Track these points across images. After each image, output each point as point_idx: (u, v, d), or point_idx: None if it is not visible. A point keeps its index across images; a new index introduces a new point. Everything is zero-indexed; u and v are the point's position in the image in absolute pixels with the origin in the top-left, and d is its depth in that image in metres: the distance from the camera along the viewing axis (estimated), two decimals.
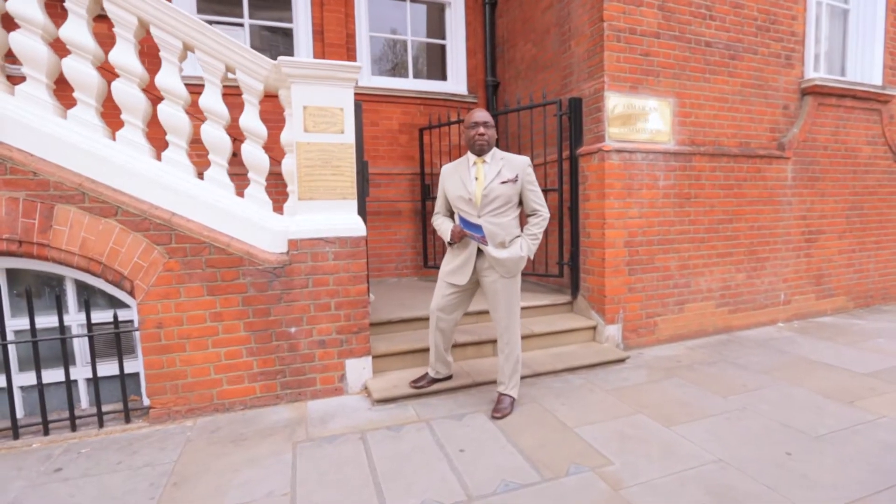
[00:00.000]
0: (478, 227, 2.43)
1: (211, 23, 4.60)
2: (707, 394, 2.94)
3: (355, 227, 2.93)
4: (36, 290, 2.58)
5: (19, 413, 2.59)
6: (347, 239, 2.91)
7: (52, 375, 2.57)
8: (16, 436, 2.45)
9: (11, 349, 2.54)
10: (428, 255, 5.08)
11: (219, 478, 2.12)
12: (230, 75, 2.83)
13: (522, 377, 3.15)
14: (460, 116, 4.64)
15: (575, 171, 3.91)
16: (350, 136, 2.93)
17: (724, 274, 4.18)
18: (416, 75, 5.44)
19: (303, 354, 2.87)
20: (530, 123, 4.36)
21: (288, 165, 2.87)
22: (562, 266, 4.03)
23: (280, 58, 2.72)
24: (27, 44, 2.40)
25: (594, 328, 3.80)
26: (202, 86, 2.79)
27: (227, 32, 4.51)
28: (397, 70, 5.38)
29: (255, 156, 2.83)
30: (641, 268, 3.80)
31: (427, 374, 2.96)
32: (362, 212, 3.22)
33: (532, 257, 2.74)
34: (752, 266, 4.31)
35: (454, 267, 2.61)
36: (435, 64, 5.61)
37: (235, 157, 3.28)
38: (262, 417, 2.70)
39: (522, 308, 3.79)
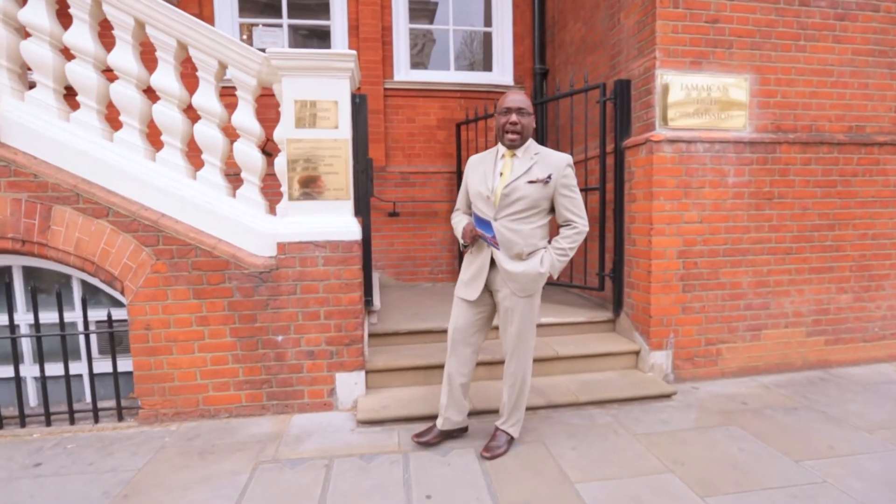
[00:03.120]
0: (488, 225, 2.04)
1: (252, 25, 4.69)
2: (773, 454, 2.26)
3: (347, 230, 2.70)
4: (48, 288, 2.70)
5: (34, 402, 2.74)
6: (339, 243, 2.69)
7: (59, 369, 2.67)
8: (22, 424, 2.58)
9: (26, 342, 2.69)
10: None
11: (168, 494, 2.00)
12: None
13: (534, 408, 2.71)
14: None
15: (621, 168, 3.32)
16: (345, 132, 2.70)
17: (821, 294, 3.30)
18: (458, 67, 5.10)
19: (290, 365, 2.71)
20: (571, 113, 3.81)
21: (280, 164, 2.72)
22: (602, 278, 3.46)
23: (269, 49, 2.57)
24: (35, 50, 2.50)
25: (637, 353, 3.19)
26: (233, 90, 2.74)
27: (266, 35, 4.57)
28: (438, 62, 5.10)
29: (248, 154, 2.72)
30: (701, 283, 3.11)
31: (434, 425, 2.37)
32: (366, 213, 2.99)
33: (556, 276, 2.21)
34: (862, 286, 3.36)
35: (466, 279, 2.23)
36: (478, 54, 5.23)
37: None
38: (242, 428, 2.58)
39: (553, 324, 3.34)
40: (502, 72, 5.03)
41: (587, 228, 2.16)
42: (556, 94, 3.61)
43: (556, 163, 2.10)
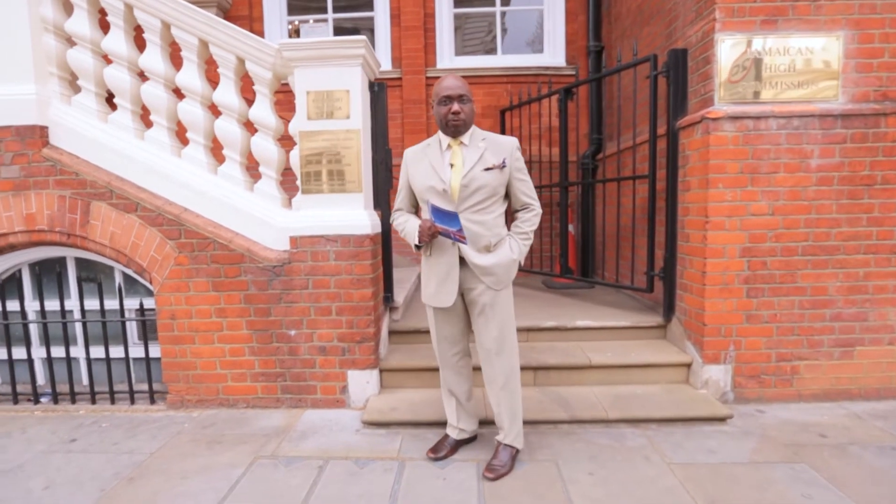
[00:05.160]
0: (453, 216, 1.82)
1: (300, 21, 4.78)
2: None
3: (359, 223, 2.60)
4: (97, 277, 2.93)
5: (86, 381, 3.00)
6: (350, 237, 2.60)
7: (106, 352, 2.88)
8: (73, 400, 2.83)
9: (76, 326, 2.94)
10: None
11: (166, 482, 2.05)
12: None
13: (555, 421, 2.45)
14: (551, 90, 3.86)
15: (674, 152, 2.87)
16: (356, 122, 2.60)
17: None
18: (507, 51, 4.80)
19: (303, 360, 2.69)
20: (618, 93, 3.38)
21: (293, 157, 2.69)
22: (651, 278, 3.03)
23: (280, 41, 2.53)
24: (79, 57, 2.69)
25: (688, 366, 2.76)
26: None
27: (313, 31, 4.64)
28: (485, 47, 4.83)
29: (265, 148, 2.72)
30: (771, 287, 2.59)
31: (447, 436, 2.25)
32: (386, 206, 2.88)
33: (522, 262, 2.03)
34: None
35: (434, 286, 2.01)
36: (528, 35, 4.87)
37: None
38: (254, 420, 2.60)
39: (590, 328, 3.03)
40: (553, 52, 4.66)
41: (541, 210, 2.08)
42: (604, 71, 3.22)
43: (505, 146, 1.97)
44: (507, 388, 2.04)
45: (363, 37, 2.52)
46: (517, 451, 2.10)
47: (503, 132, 4.43)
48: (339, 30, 4.78)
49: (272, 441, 2.37)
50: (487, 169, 1.91)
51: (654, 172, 2.97)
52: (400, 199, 2.12)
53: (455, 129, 1.93)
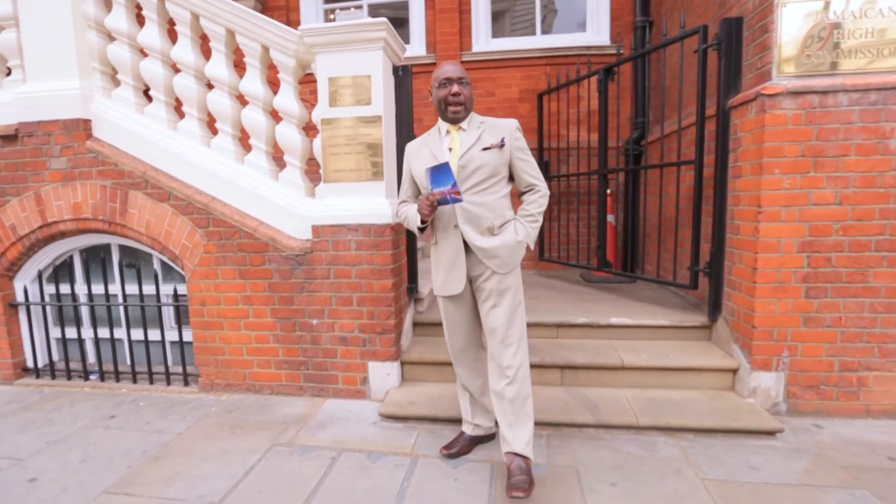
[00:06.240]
0: (445, 170, 1.70)
1: (341, 9, 4.76)
2: None
3: (380, 212, 2.55)
4: (138, 263, 3.08)
5: (129, 360, 3.17)
6: (371, 227, 2.56)
7: (144, 335, 3.02)
8: (117, 379, 3.00)
9: (119, 309, 3.11)
10: (545, 244, 4.28)
11: (187, 463, 2.12)
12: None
13: (579, 425, 2.30)
14: (590, 70, 3.61)
15: (724, 134, 2.58)
16: (378, 108, 2.53)
17: None
18: (545, 31, 4.56)
19: (325, 349, 2.69)
20: (662, 72, 3.08)
21: (316, 145, 2.67)
22: (694, 273, 2.77)
23: (301, 27, 2.50)
24: (118, 52, 2.80)
25: (734, 372, 2.50)
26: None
27: (348, 18, 4.61)
28: (524, 28, 4.60)
29: (289, 137, 2.71)
30: (836, 287, 2.29)
31: (463, 432, 2.19)
32: None
33: (532, 246, 1.91)
34: None
35: (443, 274, 1.93)
36: (579, 16, 4.57)
37: None
38: (277, 407, 2.64)
39: (625, 326, 2.84)
40: (597, 30, 4.36)
41: (549, 191, 1.95)
42: (646, 48, 2.95)
43: (504, 127, 1.89)
44: (517, 382, 1.86)
45: (384, 19, 2.44)
46: (530, 461, 1.89)
47: (540, 117, 4.22)
48: (376, 16, 4.72)
49: (291, 429, 2.39)
50: (486, 149, 1.83)
51: (702, 157, 2.69)
52: (403, 191, 2.05)
53: (455, 114, 1.86)
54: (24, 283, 3.06)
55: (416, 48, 4.55)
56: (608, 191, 3.75)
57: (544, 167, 4.24)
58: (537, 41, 4.45)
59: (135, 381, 2.98)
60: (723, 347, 2.64)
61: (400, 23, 4.80)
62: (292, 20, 4.63)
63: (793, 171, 2.25)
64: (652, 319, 2.84)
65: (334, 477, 1.99)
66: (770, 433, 2.19)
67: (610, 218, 3.84)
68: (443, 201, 1.77)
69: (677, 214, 2.90)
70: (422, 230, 1.91)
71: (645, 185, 3.62)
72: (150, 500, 1.86)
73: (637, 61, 3.94)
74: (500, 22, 4.85)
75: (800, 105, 2.21)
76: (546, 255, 4.27)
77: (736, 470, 1.96)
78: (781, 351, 2.36)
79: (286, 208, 2.68)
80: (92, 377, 3.05)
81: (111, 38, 2.84)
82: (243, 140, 2.87)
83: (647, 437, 2.23)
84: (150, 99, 2.89)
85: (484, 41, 4.48)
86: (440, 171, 1.72)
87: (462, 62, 4.43)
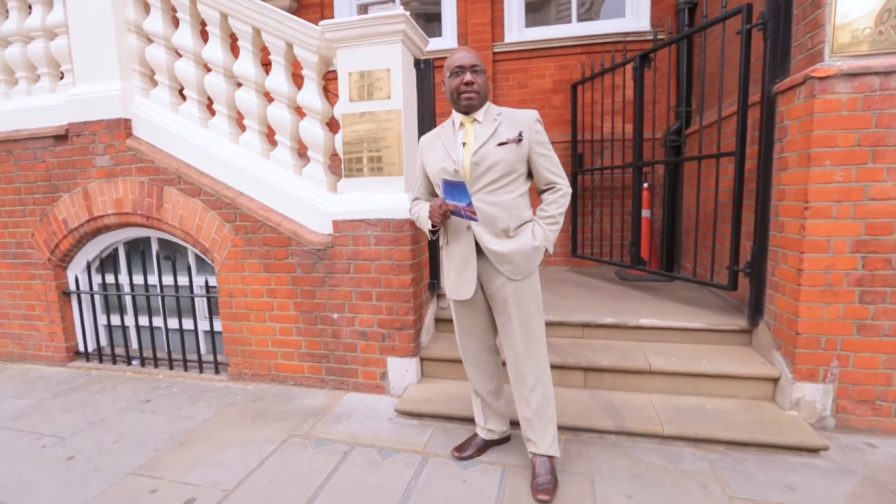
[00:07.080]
0: (461, 188, 1.61)
1: (367, 7, 4.79)
2: None
3: (399, 207, 2.53)
4: (174, 255, 3.23)
5: (165, 348, 3.34)
6: (390, 222, 2.55)
7: (179, 324, 3.17)
8: (155, 365, 3.17)
9: (156, 299, 3.28)
10: (578, 239, 4.13)
11: (207, 449, 2.20)
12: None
13: (599, 430, 2.20)
14: (625, 58, 3.42)
15: (770, 123, 2.37)
16: (397, 102, 2.51)
17: None
18: (586, 18, 4.37)
19: (345, 343, 2.71)
20: (702, 57, 2.84)
21: (337, 140, 2.69)
22: (734, 273, 2.58)
23: (322, 22, 2.51)
24: (155, 54, 2.93)
25: (775, 381, 2.31)
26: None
27: (379, 7, 4.62)
28: (579, 17, 4.39)
29: (312, 133, 2.74)
30: (895, 292, 2.05)
31: (476, 434, 2.13)
32: None
33: (551, 249, 1.80)
34: None
35: (454, 276, 1.86)
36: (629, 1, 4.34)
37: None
38: (299, 398, 2.70)
39: (655, 328, 2.70)
40: (637, 14, 4.13)
41: (571, 190, 1.84)
42: (683, 32, 2.75)
43: (523, 119, 1.77)
44: (538, 389, 1.84)
45: (404, 11, 2.40)
46: (555, 460, 1.90)
47: (574, 108, 4.06)
48: (409, 11, 4.70)
49: (308, 421, 2.44)
50: (501, 144, 1.72)
51: (744, 148, 2.49)
52: (417, 187, 1.99)
53: (468, 103, 1.76)
54: (75, 273, 3.29)
55: (448, 40, 4.50)
56: (644, 184, 3.56)
57: (578, 160, 4.09)
58: (573, 29, 4.28)
59: (171, 367, 3.13)
60: (763, 354, 2.44)
61: (433, 18, 4.76)
62: (326, 16, 4.69)
63: (847, 162, 2.03)
64: (685, 321, 2.67)
65: (344, 471, 2.00)
66: (813, 450, 2.00)
67: (645, 213, 3.65)
68: (456, 213, 1.71)
69: (716, 210, 2.69)
70: (433, 233, 1.87)
71: (687, 178, 3.40)
72: (170, 484, 1.94)
73: (679, 47, 3.69)
74: (546, 10, 4.70)
75: (856, 88, 1.99)
76: (579, 251, 4.12)
77: (769, 489, 1.80)
78: (830, 360, 2.15)
79: (308, 203, 2.71)
80: (134, 362, 3.24)
81: (149, 41, 2.98)
82: (269, 136, 2.94)
83: (673, 447, 2.10)
84: (184, 98, 3.01)
85: (517, 31, 4.36)
86: (455, 188, 1.63)
87: (494, 53, 4.34)
